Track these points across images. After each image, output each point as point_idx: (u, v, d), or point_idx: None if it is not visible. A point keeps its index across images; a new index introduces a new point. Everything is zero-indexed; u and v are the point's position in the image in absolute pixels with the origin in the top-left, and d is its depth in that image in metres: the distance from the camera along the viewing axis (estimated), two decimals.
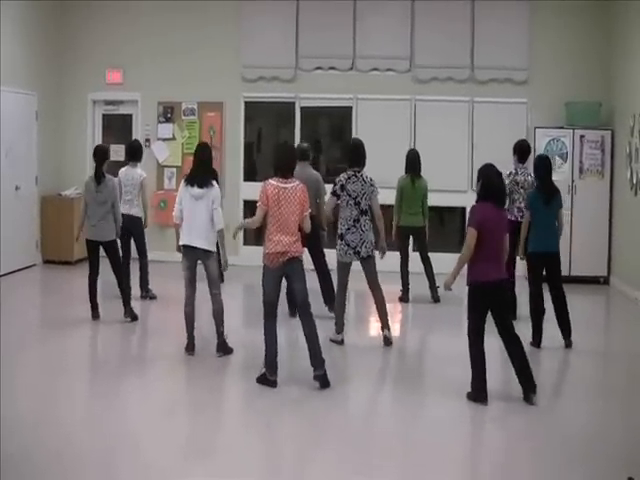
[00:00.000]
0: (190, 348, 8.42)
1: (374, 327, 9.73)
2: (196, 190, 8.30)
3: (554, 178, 11.53)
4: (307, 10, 13.92)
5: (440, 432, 6.58)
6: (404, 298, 11.31)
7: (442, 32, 13.69)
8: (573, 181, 12.97)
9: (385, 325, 8.96)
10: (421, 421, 6.92)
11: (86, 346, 9.18)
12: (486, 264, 7.01)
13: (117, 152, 14.37)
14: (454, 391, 7.31)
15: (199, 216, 8.27)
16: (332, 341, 8.91)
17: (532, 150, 10.56)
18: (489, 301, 7.09)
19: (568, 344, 8.98)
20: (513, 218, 10.10)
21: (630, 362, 8.79)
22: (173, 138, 14.20)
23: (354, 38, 13.90)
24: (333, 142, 15.01)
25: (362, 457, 6.06)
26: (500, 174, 7.36)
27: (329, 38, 13.91)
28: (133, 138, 13.27)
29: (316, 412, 6.96)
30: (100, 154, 9.79)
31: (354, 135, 13.85)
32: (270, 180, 7.52)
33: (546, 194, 8.99)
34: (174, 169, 14.23)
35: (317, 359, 7.47)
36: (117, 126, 14.77)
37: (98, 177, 9.64)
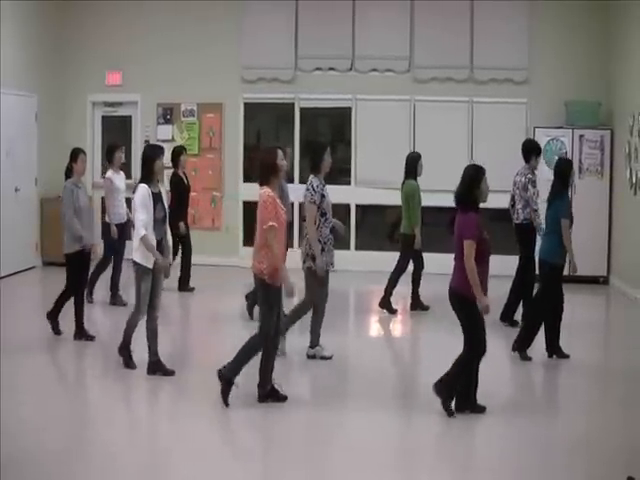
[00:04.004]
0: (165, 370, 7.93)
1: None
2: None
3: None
4: (306, 11, 13.93)
5: (430, 440, 6.58)
6: (414, 305, 10.83)
7: (441, 32, 13.69)
8: (572, 181, 12.93)
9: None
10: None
11: (86, 347, 9.17)
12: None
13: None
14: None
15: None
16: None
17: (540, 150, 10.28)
18: None
19: None
20: (518, 221, 9.98)
21: (630, 363, 8.75)
22: (172, 139, 14.19)
23: (353, 39, 13.90)
24: (333, 143, 14.98)
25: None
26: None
27: (328, 39, 13.92)
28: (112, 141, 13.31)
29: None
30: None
31: (353, 136, 13.86)
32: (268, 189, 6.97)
33: None
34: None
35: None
36: (116, 128, 14.77)
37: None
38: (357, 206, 13.92)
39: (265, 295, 6.97)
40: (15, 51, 12.90)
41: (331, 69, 14.05)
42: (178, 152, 11.88)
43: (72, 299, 9.09)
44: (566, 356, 8.58)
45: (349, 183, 14.04)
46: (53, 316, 9.15)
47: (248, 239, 14.29)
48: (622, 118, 12.56)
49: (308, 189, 8.24)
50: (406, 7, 13.77)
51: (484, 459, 6.19)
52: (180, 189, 11.66)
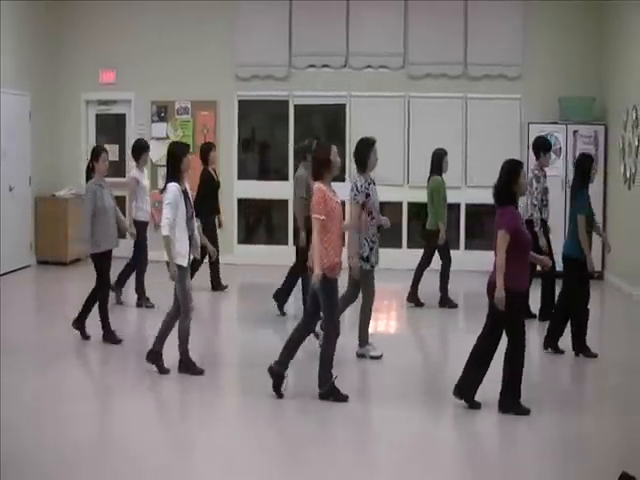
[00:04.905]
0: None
1: None
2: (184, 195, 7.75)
3: (549, 174, 11.57)
4: (300, 8, 13.90)
5: (433, 438, 6.59)
6: (411, 298, 10.85)
7: (435, 29, 13.69)
8: (567, 176, 12.97)
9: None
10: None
11: (86, 346, 9.16)
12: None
13: (111, 152, 14.38)
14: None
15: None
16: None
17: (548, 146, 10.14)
18: None
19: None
20: (526, 216, 9.94)
21: (626, 358, 8.75)
22: (167, 137, 14.14)
23: (347, 36, 13.89)
24: (327, 140, 15.00)
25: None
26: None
27: (322, 36, 13.90)
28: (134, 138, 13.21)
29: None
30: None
31: (348, 133, 13.86)
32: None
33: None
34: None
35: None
36: (110, 126, 14.76)
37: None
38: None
39: (326, 291, 6.97)
40: (9, 50, 12.85)
41: (325, 66, 14.04)
42: (207, 149, 11.65)
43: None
44: (561, 352, 8.59)
45: (344, 180, 13.98)
46: (104, 324, 8.83)
47: (243, 237, 14.34)
48: (616, 113, 12.57)
49: (352, 189, 8.14)
50: (400, 4, 13.75)
51: (477, 453, 6.21)
52: (210, 185, 11.58)
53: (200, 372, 7.73)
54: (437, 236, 10.63)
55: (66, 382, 7.76)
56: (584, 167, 8.63)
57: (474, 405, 6.86)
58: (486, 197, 12.39)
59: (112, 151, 14.13)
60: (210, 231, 11.21)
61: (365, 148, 8.25)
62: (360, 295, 8.36)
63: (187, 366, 7.76)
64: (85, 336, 8.90)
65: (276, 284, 10.23)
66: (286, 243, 14.16)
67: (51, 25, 14.19)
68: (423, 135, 13.57)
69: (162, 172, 14.02)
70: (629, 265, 11.84)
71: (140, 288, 10.51)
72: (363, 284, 8.28)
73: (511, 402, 6.77)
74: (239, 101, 14.29)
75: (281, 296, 10.17)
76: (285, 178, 14.21)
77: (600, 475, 5.64)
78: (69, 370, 8.16)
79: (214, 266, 11.45)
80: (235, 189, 14.25)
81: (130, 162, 14.19)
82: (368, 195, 8.10)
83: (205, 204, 10.99)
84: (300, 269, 9.63)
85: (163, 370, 7.76)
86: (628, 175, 11.87)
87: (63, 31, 14.35)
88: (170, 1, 14.05)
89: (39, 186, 13.85)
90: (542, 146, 10.03)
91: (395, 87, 13.81)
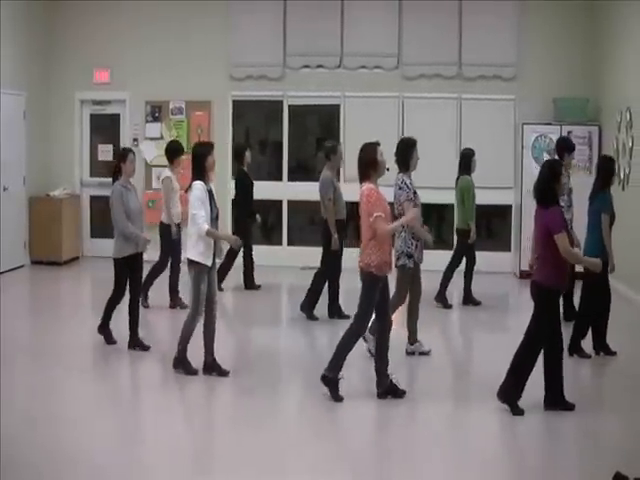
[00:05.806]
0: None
1: None
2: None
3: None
4: (295, 8, 13.92)
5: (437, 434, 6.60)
6: (439, 300, 10.91)
7: (430, 29, 13.72)
8: (615, 178, 12.93)
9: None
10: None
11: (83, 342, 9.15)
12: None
13: (105, 152, 14.43)
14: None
15: None
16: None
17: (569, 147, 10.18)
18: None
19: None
20: None
21: (622, 357, 8.77)
22: (161, 137, 14.15)
23: (342, 36, 13.90)
24: (321, 140, 15.00)
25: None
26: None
27: (317, 36, 13.91)
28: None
29: None
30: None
31: (342, 133, 13.86)
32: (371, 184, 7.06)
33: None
34: (162, 169, 14.16)
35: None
36: (105, 126, 14.74)
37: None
38: (346, 203, 13.88)
39: (370, 288, 7.00)
40: (3, 50, 12.82)
41: (319, 66, 14.04)
42: (242, 148, 11.80)
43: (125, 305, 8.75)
44: (613, 353, 8.67)
45: (338, 180, 13.99)
46: (104, 326, 8.80)
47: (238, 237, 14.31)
48: (610, 114, 12.60)
49: (402, 187, 8.21)
50: (394, 4, 13.78)
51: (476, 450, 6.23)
52: (245, 184, 11.65)
53: (195, 372, 7.74)
54: (468, 235, 10.78)
55: (63, 383, 7.75)
56: (606, 169, 8.73)
57: (569, 407, 6.88)
58: (481, 198, 12.46)
59: (106, 151, 14.19)
60: (244, 231, 11.28)
61: (407, 148, 8.40)
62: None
63: (183, 364, 7.76)
64: (144, 347, 8.66)
65: (272, 284, 10.23)
66: (280, 243, 14.18)
67: (46, 25, 14.18)
68: (418, 136, 13.29)
69: (156, 172, 14.12)
70: (623, 265, 11.83)
71: (146, 288, 10.30)
72: (399, 283, 8.32)
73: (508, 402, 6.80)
74: (233, 101, 14.29)
75: (308, 304, 10.09)
76: (279, 178, 14.23)
77: (599, 475, 5.66)
78: (66, 370, 8.15)
79: (248, 264, 11.68)
80: (230, 189, 14.22)
81: None
82: (415, 193, 8.26)
83: (243, 204, 11.41)
84: (328, 273, 9.93)
85: (223, 373, 7.73)
86: (622, 176, 11.89)
87: (58, 31, 14.34)
88: (165, 1, 14.05)
89: (33, 186, 13.83)
90: (566, 147, 10.02)
91: (389, 87, 13.83)
